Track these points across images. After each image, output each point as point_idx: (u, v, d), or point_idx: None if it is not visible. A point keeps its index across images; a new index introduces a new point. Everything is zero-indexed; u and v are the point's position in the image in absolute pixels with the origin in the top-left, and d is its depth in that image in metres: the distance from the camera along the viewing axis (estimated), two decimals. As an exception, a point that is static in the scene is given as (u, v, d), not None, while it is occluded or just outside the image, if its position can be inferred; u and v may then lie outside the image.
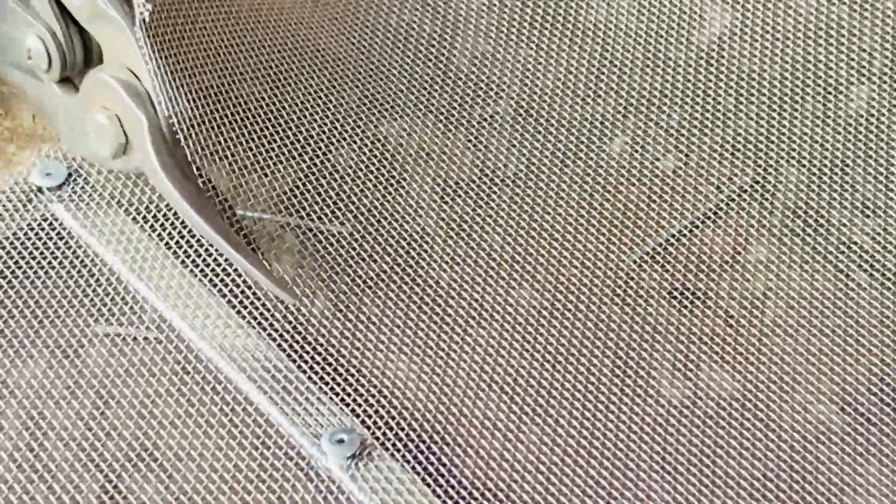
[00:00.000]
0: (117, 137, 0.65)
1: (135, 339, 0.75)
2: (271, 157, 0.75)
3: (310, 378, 0.73)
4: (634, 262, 0.82)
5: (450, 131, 0.88)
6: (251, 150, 0.74)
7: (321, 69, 0.85)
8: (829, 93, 0.91)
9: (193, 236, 0.77)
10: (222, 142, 0.71)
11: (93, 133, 0.67)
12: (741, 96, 0.91)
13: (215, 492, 0.69)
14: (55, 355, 0.75)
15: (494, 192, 0.85)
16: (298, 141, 0.79)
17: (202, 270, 0.77)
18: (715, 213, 0.85)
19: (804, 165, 0.88)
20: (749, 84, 0.91)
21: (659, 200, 0.85)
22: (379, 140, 0.85)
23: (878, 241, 0.84)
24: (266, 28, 0.82)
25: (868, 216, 0.85)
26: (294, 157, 0.79)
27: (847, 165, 0.88)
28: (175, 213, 0.78)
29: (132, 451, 0.71)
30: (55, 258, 0.79)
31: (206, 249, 0.77)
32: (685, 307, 0.80)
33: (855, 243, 0.84)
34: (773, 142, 0.89)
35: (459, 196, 0.84)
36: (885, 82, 0.91)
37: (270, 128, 0.77)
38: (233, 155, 0.72)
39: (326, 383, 0.73)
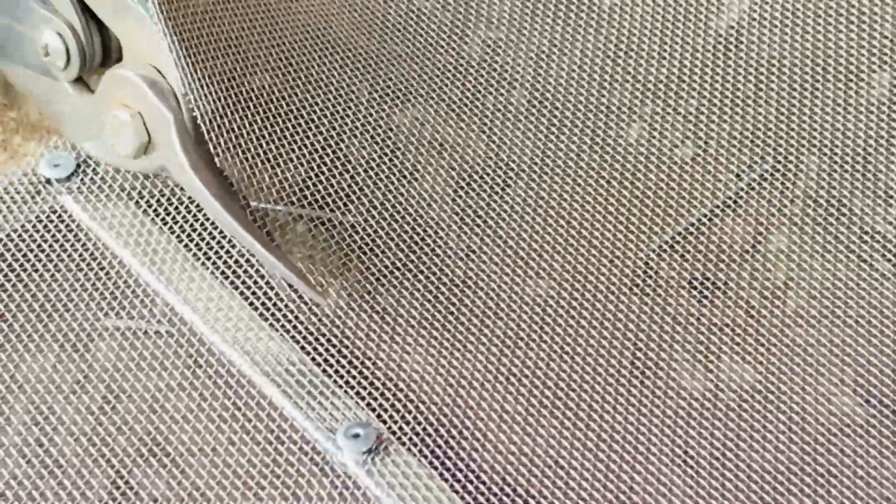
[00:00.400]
0: (139, 136, 0.64)
1: (145, 332, 0.75)
2: (288, 148, 0.74)
3: (324, 371, 0.72)
4: (653, 251, 0.81)
5: (463, 121, 0.87)
6: (273, 142, 0.73)
7: (333, 58, 0.84)
8: (850, 80, 0.90)
9: (205, 228, 0.76)
10: (245, 135, 0.70)
11: (111, 132, 0.66)
12: (760, 83, 0.90)
13: (228, 487, 0.69)
14: (64, 349, 0.74)
15: (509, 183, 0.84)
16: (311, 130, 0.79)
17: (214, 263, 0.76)
18: (734, 202, 0.84)
19: (825, 153, 0.87)
20: (768, 70, 0.91)
21: (677, 189, 0.85)
22: (392, 130, 0.84)
23: (901, 229, 0.84)
24: (280, 17, 0.81)
25: (890, 204, 0.85)
26: (306, 147, 0.78)
27: (868, 153, 0.87)
28: (186, 205, 0.77)
29: (142, 445, 0.71)
30: (64, 251, 0.78)
31: (219, 242, 0.76)
32: (705, 297, 0.79)
33: (878, 232, 0.83)
34: (793, 129, 0.88)
35: (474, 186, 0.84)
36: (905, 69, 0.91)
37: (290, 119, 0.76)
38: (257, 148, 0.72)
39: (342, 376, 0.72)
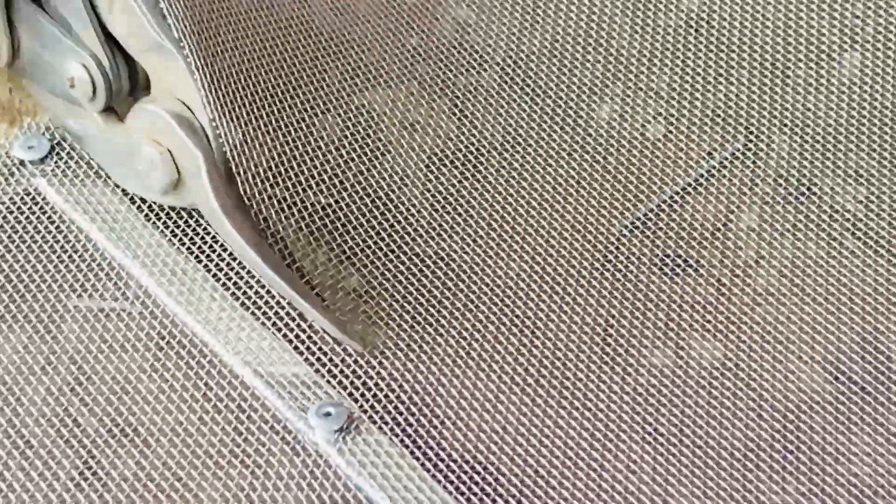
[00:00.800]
0: (170, 173, 0.62)
1: (117, 313, 0.75)
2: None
3: (296, 349, 0.72)
4: (624, 228, 0.82)
5: (434, 101, 0.87)
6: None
7: (305, 39, 0.84)
8: (821, 59, 0.91)
9: (176, 210, 0.77)
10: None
11: (142, 167, 0.64)
12: (731, 62, 0.91)
13: (199, 467, 0.69)
14: (36, 329, 0.74)
15: (480, 162, 0.84)
16: (284, 111, 0.79)
17: (187, 246, 0.76)
18: (705, 180, 0.85)
19: (795, 132, 0.87)
20: (739, 49, 0.91)
21: (649, 166, 0.85)
22: (363, 110, 0.84)
23: (869, 207, 0.84)
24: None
25: (860, 183, 0.85)
26: (280, 128, 0.78)
27: (838, 132, 0.87)
28: None
29: (111, 425, 0.71)
30: (37, 232, 0.78)
31: (191, 225, 0.76)
32: (675, 274, 0.80)
33: (847, 210, 0.83)
34: (764, 108, 0.89)
35: (445, 166, 0.84)
36: (877, 49, 0.91)
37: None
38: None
39: (313, 353, 0.72)
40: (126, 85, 0.62)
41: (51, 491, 0.68)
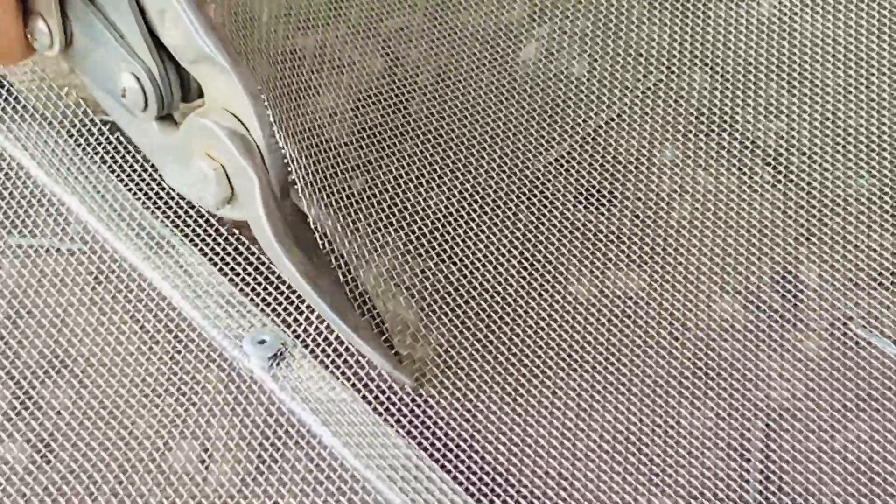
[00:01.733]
0: (223, 190, 0.59)
1: (58, 250, 0.76)
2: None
3: (231, 281, 0.73)
4: (546, 165, 0.83)
5: (362, 42, 0.88)
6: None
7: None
8: (741, -2, 0.92)
9: (114, 146, 0.77)
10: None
11: (195, 180, 0.61)
12: (654, 1, 0.92)
13: (136, 395, 0.70)
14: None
15: (407, 101, 0.85)
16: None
17: (126, 184, 0.76)
18: (627, 115, 0.86)
19: (715, 69, 0.89)
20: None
21: (573, 104, 0.86)
22: (294, 52, 0.85)
23: (783, 141, 0.85)
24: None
25: (774, 116, 0.87)
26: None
27: (757, 69, 0.89)
28: (99, 127, 0.77)
29: (45, 360, 0.71)
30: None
31: (137, 159, 0.76)
32: (596, 208, 0.81)
33: (761, 142, 0.85)
34: (685, 46, 0.90)
35: (372, 104, 0.85)
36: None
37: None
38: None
39: (248, 284, 0.73)
40: (178, 94, 0.59)
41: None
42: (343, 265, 0.69)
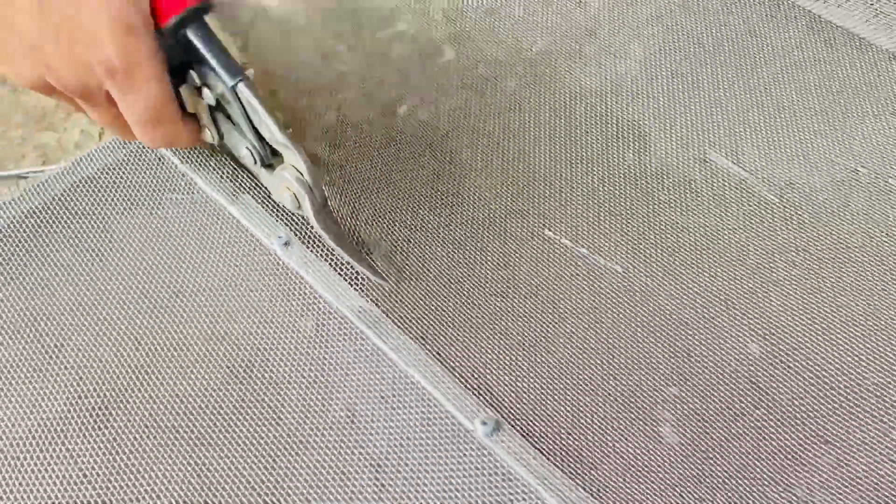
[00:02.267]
0: (294, 203, 0.99)
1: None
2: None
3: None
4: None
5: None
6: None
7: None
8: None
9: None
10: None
11: (283, 198, 1.00)
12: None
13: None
14: None
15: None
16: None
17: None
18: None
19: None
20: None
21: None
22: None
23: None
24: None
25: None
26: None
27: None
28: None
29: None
30: None
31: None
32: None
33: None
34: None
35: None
36: None
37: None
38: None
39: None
40: (270, 157, 1.00)
41: None
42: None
